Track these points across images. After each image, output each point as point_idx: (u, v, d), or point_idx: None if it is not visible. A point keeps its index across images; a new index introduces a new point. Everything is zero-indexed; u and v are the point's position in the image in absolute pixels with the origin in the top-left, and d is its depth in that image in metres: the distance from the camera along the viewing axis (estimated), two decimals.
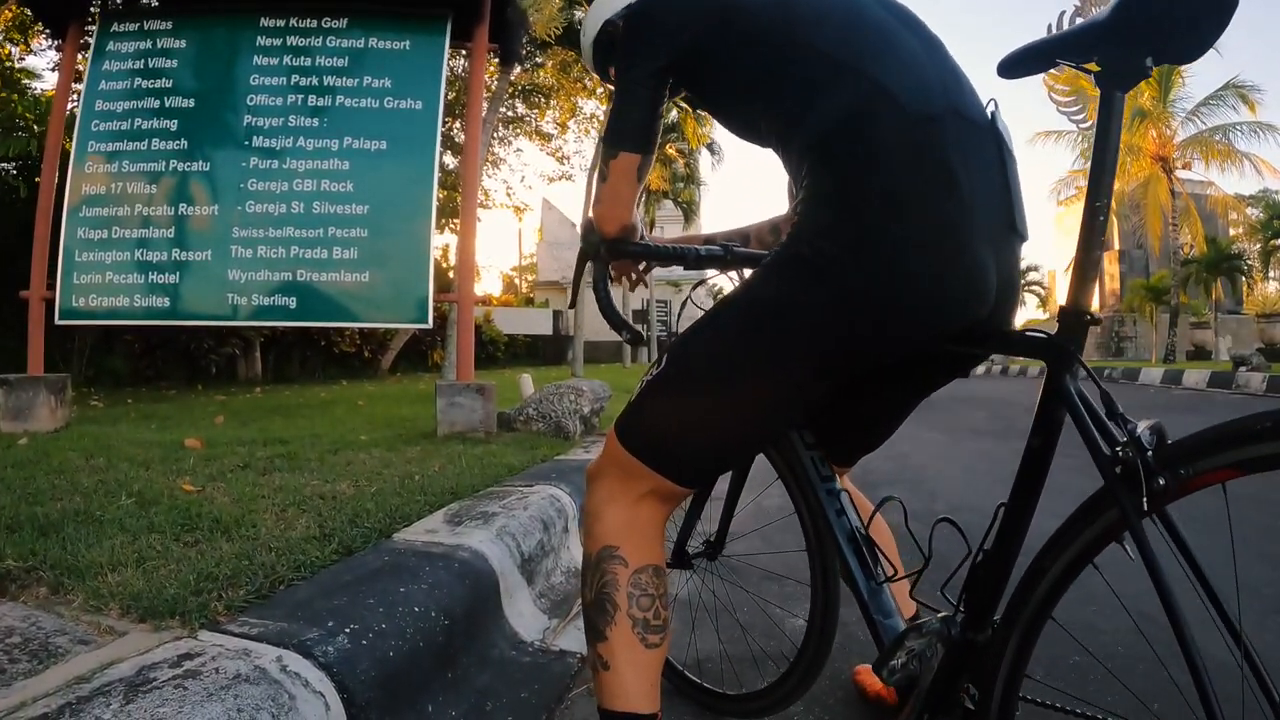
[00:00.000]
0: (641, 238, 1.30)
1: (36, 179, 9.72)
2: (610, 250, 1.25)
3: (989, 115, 1.01)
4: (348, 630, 1.34)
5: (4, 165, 9.35)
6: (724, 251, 1.35)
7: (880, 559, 1.15)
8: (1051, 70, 0.89)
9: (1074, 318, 0.87)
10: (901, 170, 0.93)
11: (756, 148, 1.16)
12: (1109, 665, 1.65)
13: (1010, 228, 0.99)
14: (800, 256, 0.99)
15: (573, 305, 1.55)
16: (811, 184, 0.99)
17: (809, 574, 1.35)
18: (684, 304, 1.42)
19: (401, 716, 1.36)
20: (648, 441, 1.11)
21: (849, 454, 1.36)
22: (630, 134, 1.14)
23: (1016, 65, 0.88)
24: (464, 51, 6.71)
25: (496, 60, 6.26)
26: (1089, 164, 0.86)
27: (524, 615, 1.94)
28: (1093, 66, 0.83)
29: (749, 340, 1.03)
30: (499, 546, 1.96)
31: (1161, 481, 0.75)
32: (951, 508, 3.33)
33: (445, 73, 4.17)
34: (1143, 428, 0.79)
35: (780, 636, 1.98)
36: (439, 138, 4.08)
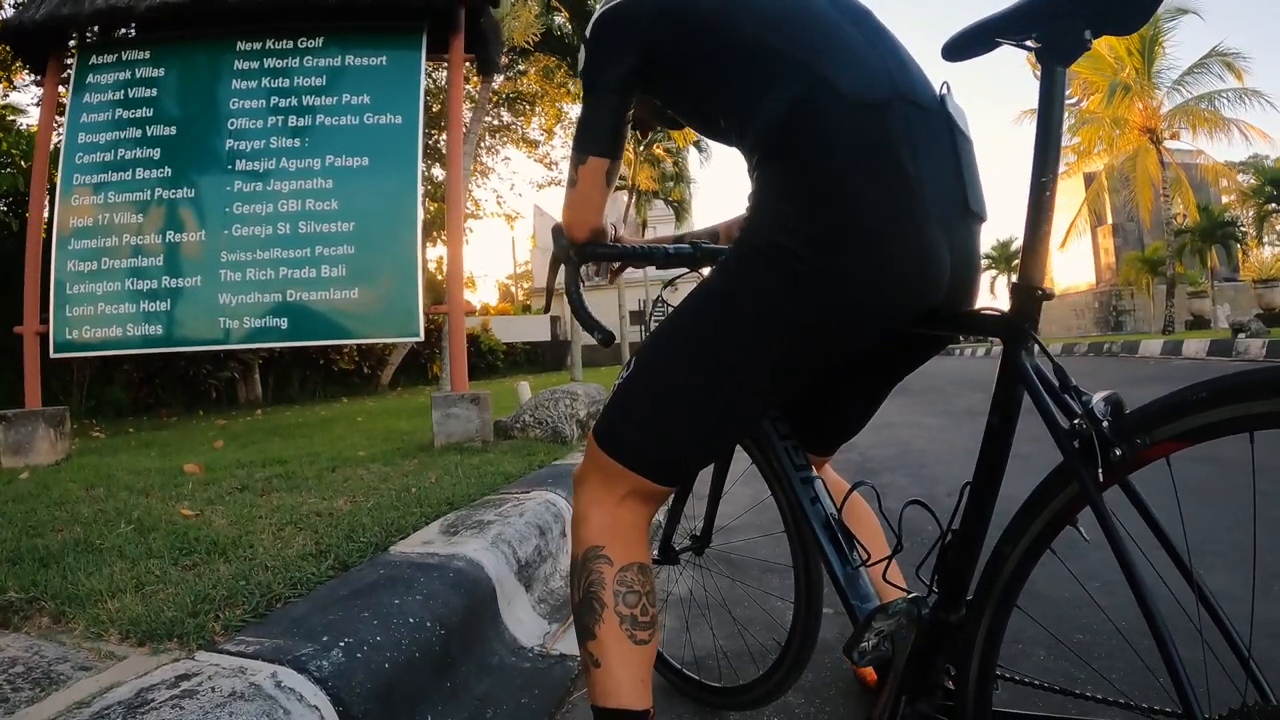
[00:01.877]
0: (615, 239, 1.33)
1: (25, 214, 9.79)
2: (580, 254, 1.27)
3: (939, 99, 1.02)
4: (342, 644, 1.36)
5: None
6: (693, 250, 1.37)
7: (856, 544, 1.16)
8: (990, 49, 0.88)
9: (1026, 294, 0.87)
10: (847, 157, 0.95)
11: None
12: (1110, 642, 1.66)
13: (965, 209, 1.00)
14: (753, 248, 1.01)
15: (547, 309, 1.55)
16: (761, 176, 1.02)
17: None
18: (654, 304, 1.43)
19: None
20: (623, 443, 1.12)
21: (827, 442, 1.37)
22: (598, 139, 1.16)
23: (959, 49, 0.89)
24: (444, 64, 6.75)
25: (477, 70, 6.29)
26: (1034, 139, 0.85)
27: (523, 621, 1.95)
28: (1033, 44, 0.83)
29: (707, 333, 1.05)
30: (495, 554, 1.97)
31: (1118, 452, 0.76)
32: (953, 490, 3.29)
33: (425, 85, 4.18)
34: (1097, 399, 0.80)
35: (776, 627, 1.99)
36: (420, 151, 4.10)
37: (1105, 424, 0.77)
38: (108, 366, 9.13)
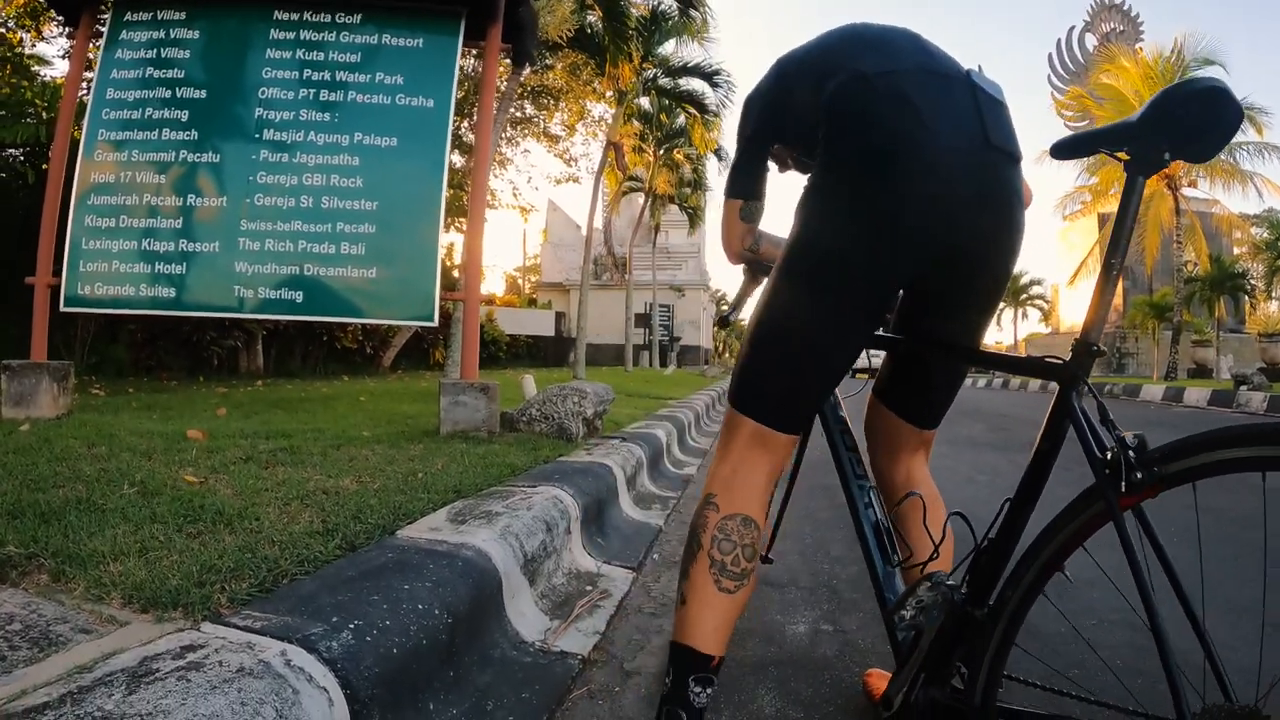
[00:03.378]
0: (759, 252, 1.61)
1: (44, 165, 9.77)
2: (751, 268, 1.70)
3: (965, 71, 1.23)
4: (352, 626, 1.33)
5: (12, 151, 9.36)
6: None
7: (898, 547, 1.34)
8: (1091, 154, 1.11)
9: (1084, 349, 1.04)
10: (865, 105, 1.19)
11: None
12: (1102, 677, 1.65)
13: (986, 143, 1.17)
14: (803, 203, 1.28)
15: (735, 310, 1.93)
16: (819, 144, 1.26)
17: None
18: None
19: (403, 714, 1.36)
20: (743, 393, 1.32)
21: (931, 414, 1.54)
22: (731, 184, 1.52)
23: (1067, 149, 1.09)
24: (475, 52, 6.71)
25: (508, 61, 6.27)
26: (1110, 229, 1.06)
27: (525, 616, 1.93)
28: (1123, 156, 1.02)
29: (791, 279, 1.28)
30: (502, 546, 1.95)
31: (1139, 476, 0.91)
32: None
33: (457, 72, 4.16)
34: (1128, 435, 0.95)
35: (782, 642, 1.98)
36: (450, 136, 4.08)
37: (1132, 454, 0.93)
38: (112, 325, 9.11)
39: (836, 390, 1.51)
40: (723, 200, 1.55)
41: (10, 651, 1.25)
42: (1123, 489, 0.92)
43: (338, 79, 4.14)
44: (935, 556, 1.22)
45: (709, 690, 1.20)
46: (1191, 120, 0.96)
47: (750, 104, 1.47)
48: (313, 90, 4.14)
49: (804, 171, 1.55)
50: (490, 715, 1.52)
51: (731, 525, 1.23)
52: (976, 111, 1.17)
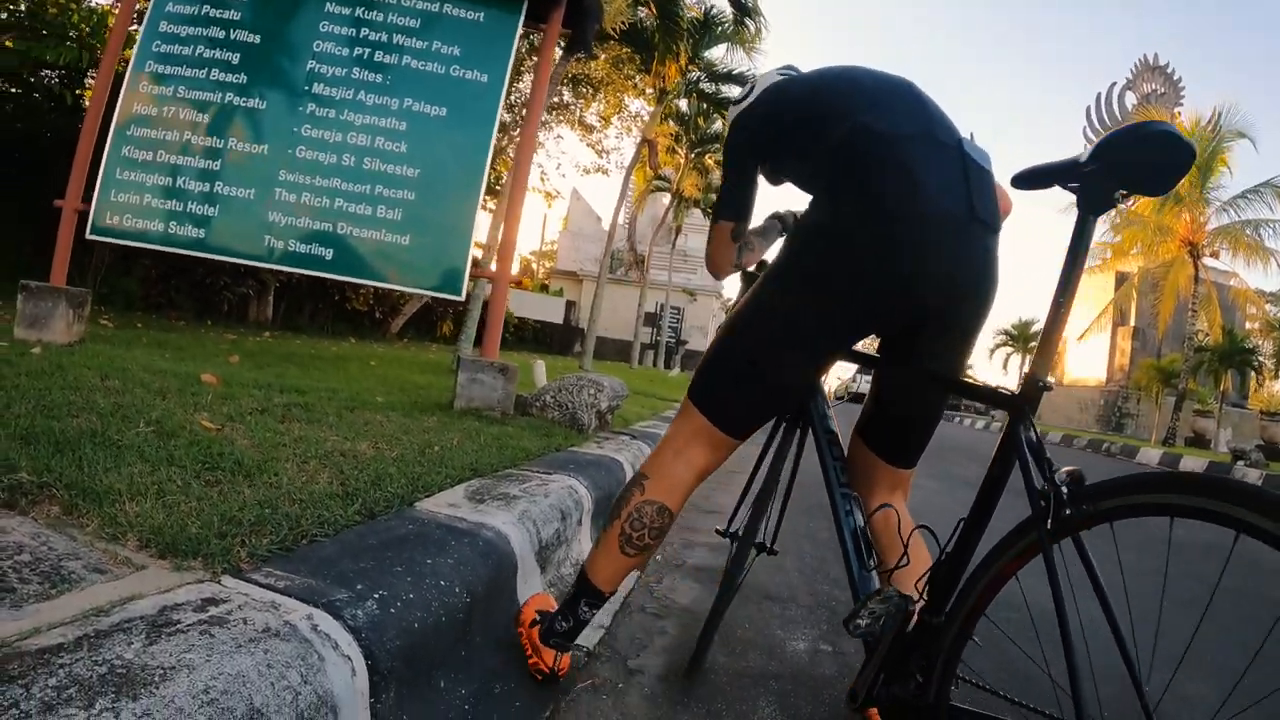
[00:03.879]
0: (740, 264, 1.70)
1: (77, 90, 9.73)
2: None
3: (958, 139, 1.35)
4: (376, 596, 1.30)
5: (48, 73, 9.32)
6: None
7: (873, 553, 1.43)
8: (1046, 187, 1.16)
9: (1032, 384, 1.14)
10: (870, 165, 1.32)
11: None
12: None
13: (972, 214, 1.29)
14: (794, 238, 1.45)
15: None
16: (814, 187, 1.47)
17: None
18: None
19: (417, 689, 1.33)
20: (702, 390, 1.48)
21: (906, 453, 1.61)
22: (720, 206, 1.62)
23: (1024, 180, 1.17)
24: (531, 35, 6.66)
25: (568, 47, 6.23)
26: (1060, 268, 1.13)
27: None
28: (1073, 192, 1.10)
29: (765, 312, 1.42)
30: (520, 530, 1.92)
31: (1068, 513, 1.02)
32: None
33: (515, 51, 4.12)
34: (1062, 472, 1.05)
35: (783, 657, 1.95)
36: (499, 114, 4.04)
37: (1064, 490, 1.03)
38: (126, 258, 9.06)
39: (828, 400, 1.66)
40: (711, 223, 1.64)
41: (20, 584, 1.20)
42: (1053, 525, 1.03)
43: (394, 42, 4.11)
44: (905, 563, 1.34)
45: (594, 610, 1.53)
46: (1144, 161, 1.05)
47: (745, 121, 1.57)
48: (368, 50, 4.10)
49: (773, 184, 1.71)
50: (498, 698, 1.50)
51: (648, 510, 1.45)
52: (965, 182, 1.30)
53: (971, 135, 1.37)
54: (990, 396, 1.24)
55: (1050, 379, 1.16)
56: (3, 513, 1.53)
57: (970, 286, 1.36)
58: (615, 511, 1.48)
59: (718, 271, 1.69)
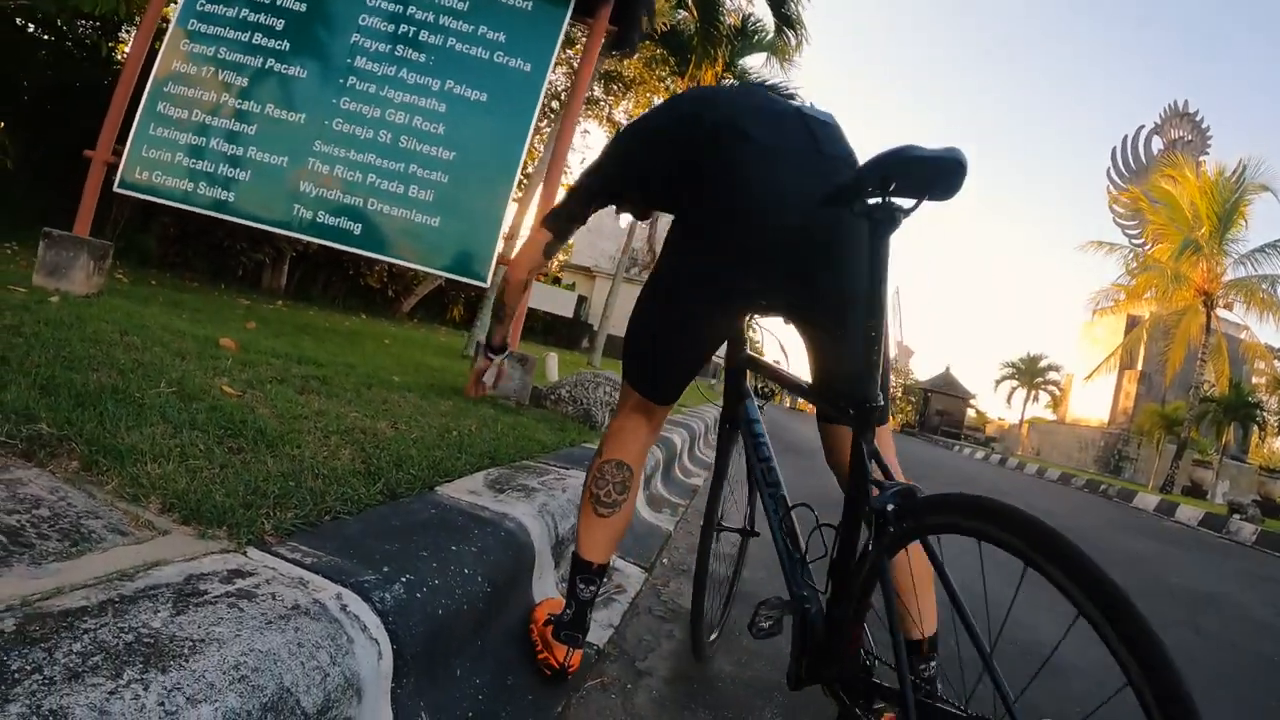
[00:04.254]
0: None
1: (110, 42, 9.73)
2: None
3: (797, 108, 1.50)
4: (403, 580, 1.28)
5: (85, 23, 9.33)
6: None
7: (801, 544, 1.55)
8: (846, 205, 1.17)
9: (865, 406, 1.21)
10: (714, 154, 1.43)
11: None
12: None
13: (818, 150, 1.41)
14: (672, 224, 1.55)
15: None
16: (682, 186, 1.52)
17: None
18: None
19: (436, 676, 1.31)
20: (627, 370, 1.62)
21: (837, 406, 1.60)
22: (552, 215, 1.72)
23: (830, 199, 1.18)
24: (575, 28, 6.61)
25: (612, 44, 6.20)
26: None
27: (548, 595, 1.88)
28: (861, 210, 1.15)
29: (654, 294, 1.54)
30: (540, 523, 1.90)
31: (891, 530, 1.11)
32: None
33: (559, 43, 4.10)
34: (893, 489, 1.14)
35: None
36: (540, 103, 4.01)
37: (891, 508, 1.12)
38: (145, 214, 9.06)
39: (758, 407, 1.80)
40: (535, 224, 1.77)
41: (39, 540, 1.17)
42: (882, 537, 1.13)
43: (440, 23, 4.09)
44: (827, 556, 1.42)
45: (590, 588, 1.57)
46: (909, 171, 1.10)
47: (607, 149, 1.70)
48: (412, 28, 4.08)
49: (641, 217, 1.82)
50: (510, 690, 1.48)
51: (608, 468, 1.58)
52: (808, 130, 1.43)
53: (810, 104, 1.55)
54: (832, 404, 1.39)
55: (881, 399, 1.22)
56: (19, 463, 1.51)
57: (813, 269, 1.40)
58: (584, 485, 1.62)
59: (516, 271, 1.84)
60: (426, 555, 1.41)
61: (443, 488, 1.93)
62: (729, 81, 13.55)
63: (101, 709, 0.77)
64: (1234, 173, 21.55)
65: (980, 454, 25.65)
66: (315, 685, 0.98)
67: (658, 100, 14.50)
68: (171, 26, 4.20)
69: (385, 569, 1.29)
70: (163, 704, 0.81)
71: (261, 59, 4.10)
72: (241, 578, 1.14)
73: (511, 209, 4.25)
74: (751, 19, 12.56)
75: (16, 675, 0.78)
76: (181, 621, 0.97)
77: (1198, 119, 37.65)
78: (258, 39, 4.11)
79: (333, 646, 1.04)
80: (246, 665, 0.92)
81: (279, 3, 4.14)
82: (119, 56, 10.16)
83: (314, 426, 2.16)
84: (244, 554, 1.25)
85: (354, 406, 2.65)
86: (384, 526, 1.51)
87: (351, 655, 1.06)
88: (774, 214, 1.36)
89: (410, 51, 4.06)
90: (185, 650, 0.90)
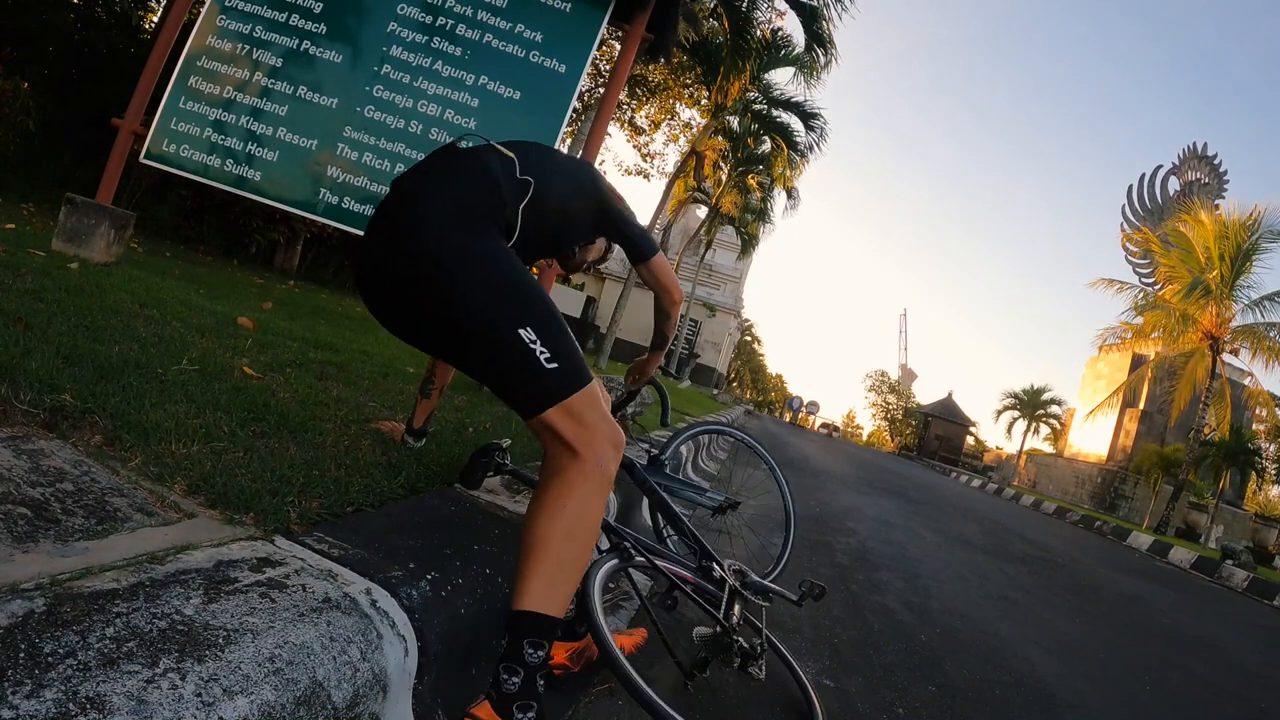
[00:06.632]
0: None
1: (140, 11, 9.73)
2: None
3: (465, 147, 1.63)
4: (429, 577, 1.28)
5: None
6: None
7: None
8: None
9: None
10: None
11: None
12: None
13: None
14: None
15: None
16: None
17: None
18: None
19: (454, 674, 1.31)
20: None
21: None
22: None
23: None
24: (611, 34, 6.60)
25: (647, 51, 6.20)
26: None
27: None
28: None
29: None
30: None
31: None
32: (937, 581, 4.20)
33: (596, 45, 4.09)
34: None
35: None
36: (573, 104, 4.01)
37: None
38: (164, 186, 9.06)
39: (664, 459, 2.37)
40: (655, 253, 1.91)
41: (64, 516, 1.15)
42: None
43: (478, 18, 4.08)
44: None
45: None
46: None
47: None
48: (450, 21, 4.08)
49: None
50: None
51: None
52: (448, 159, 1.61)
53: (477, 139, 1.67)
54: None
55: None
56: (42, 434, 1.49)
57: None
58: None
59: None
60: (450, 553, 1.40)
61: (460, 485, 1.92)
62: (753, 95, 13.55)
63: (140, 698, 0.76)
64: (1250, 216, 21.54)
65: (977, 482, 25.60)
66: (346, 680, 0.97)
67: (681, 107, 14.54)
68: (208, 1, 4.20)
69: (411, 565, 1.29)
70: (200, 695, 0.80)
71: (297, 40, 4.10)
72: (271, 567, 1.13)
73: None
74: (780, 33, 12.59)
75: (50, 659, 0.76)
76: (214, 610, 0.96)
77: (1215, 162, 37.62)
78: (295, 20, 4.11)
79: (363, 642, 1.03)
80: (281, 658, 0.91)
81: None
82: (148, 26, 10.18)
83: (334, 414, 2.16)
84: (272, 542, 1.24)
85: (371, 396, 2.65)
86: (408, 521, 1.51)
87: (380, 651, 1.06)
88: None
89: (446, 44, 4.06)
90: (220, 640, 0.89)
